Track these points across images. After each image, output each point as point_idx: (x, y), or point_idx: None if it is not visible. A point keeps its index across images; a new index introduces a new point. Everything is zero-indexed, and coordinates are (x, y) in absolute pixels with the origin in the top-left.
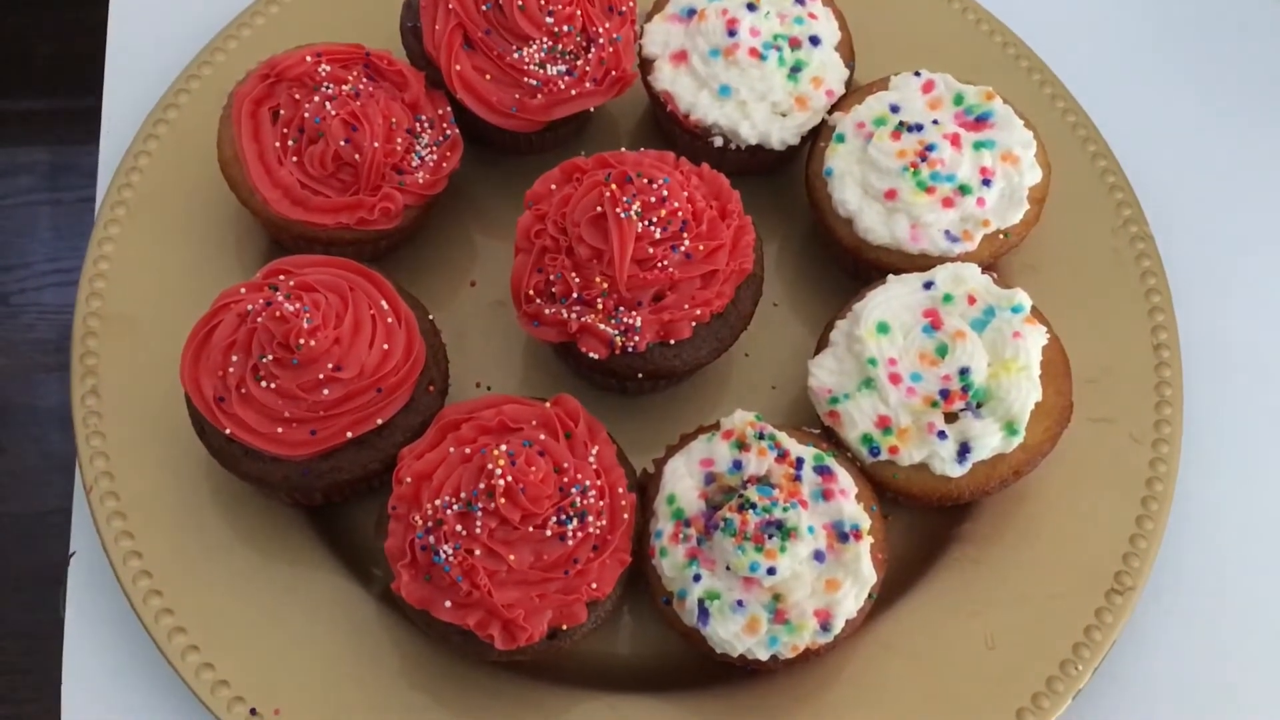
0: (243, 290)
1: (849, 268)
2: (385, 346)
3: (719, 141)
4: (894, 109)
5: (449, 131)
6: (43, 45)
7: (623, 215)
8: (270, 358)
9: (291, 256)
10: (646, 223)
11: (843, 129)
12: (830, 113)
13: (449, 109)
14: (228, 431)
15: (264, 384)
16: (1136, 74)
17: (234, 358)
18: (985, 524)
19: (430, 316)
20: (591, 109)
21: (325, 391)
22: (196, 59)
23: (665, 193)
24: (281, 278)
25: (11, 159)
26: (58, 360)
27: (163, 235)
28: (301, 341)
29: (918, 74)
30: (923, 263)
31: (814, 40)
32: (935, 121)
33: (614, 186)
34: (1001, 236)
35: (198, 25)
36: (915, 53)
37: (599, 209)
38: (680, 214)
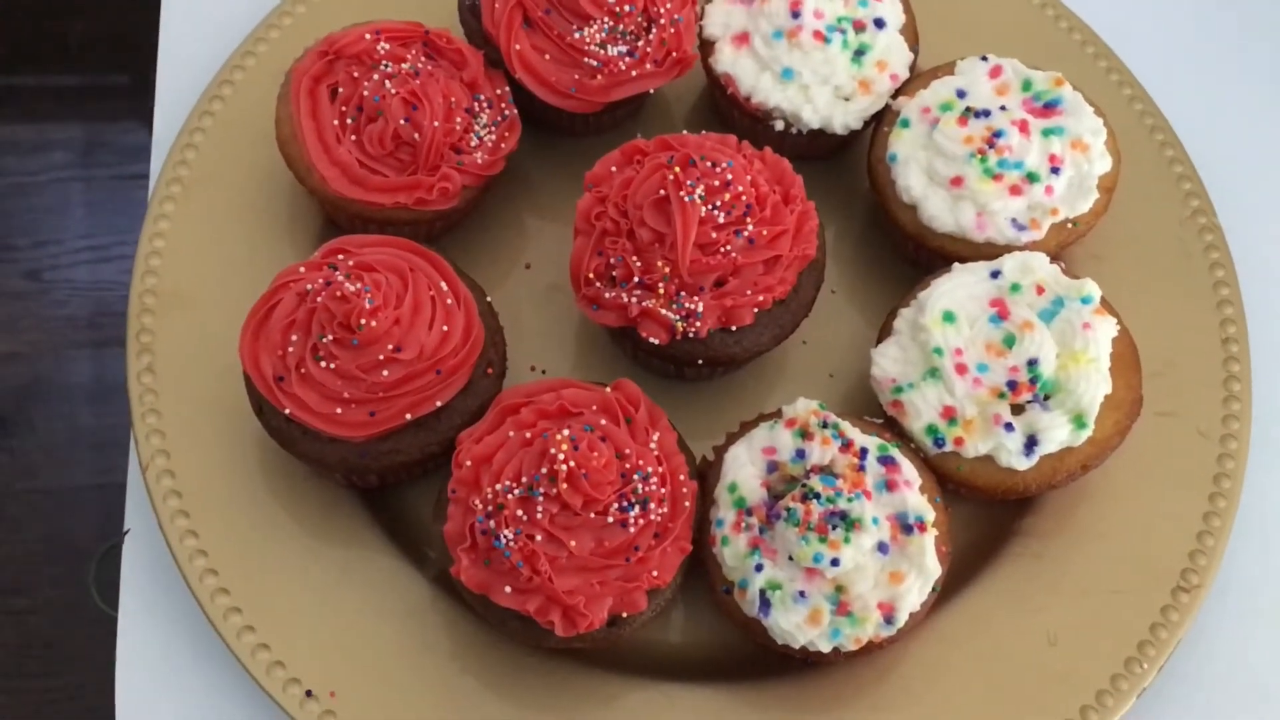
0: (302, 269)
1: (910, 255)
2: (445, 328)
3: (780, 125)
4: (960, 94)
5: (507, 112)
6: (78, 22)
7: (686, 199)
8: (330, 338)
9: (350, 236)
10: (710, 207)
11: (907, 114)
12: (894, 97)
13: (507, 89)
14: (287, 411)
15: (324, 364)
16: (1205, 63)
17: (293, 337)
18: (1049, 518)
19: (489, 298)
20: (651, 91)
21: (385, 373)
22: (252, 35)
23: (729, 177)
24: (341, 257)
25: (45, 135)
26: (89, 337)
27: (218, 213)
28: (363, 322)
29: (984, 59)
30: (988, 251)
31: (879, 23)
32: (1003, 108)
33: (678, 169)
34: (1069, 226)
35: (253, 1)
36: (980, 39)
37: (662, 192)
38: (744, 198)
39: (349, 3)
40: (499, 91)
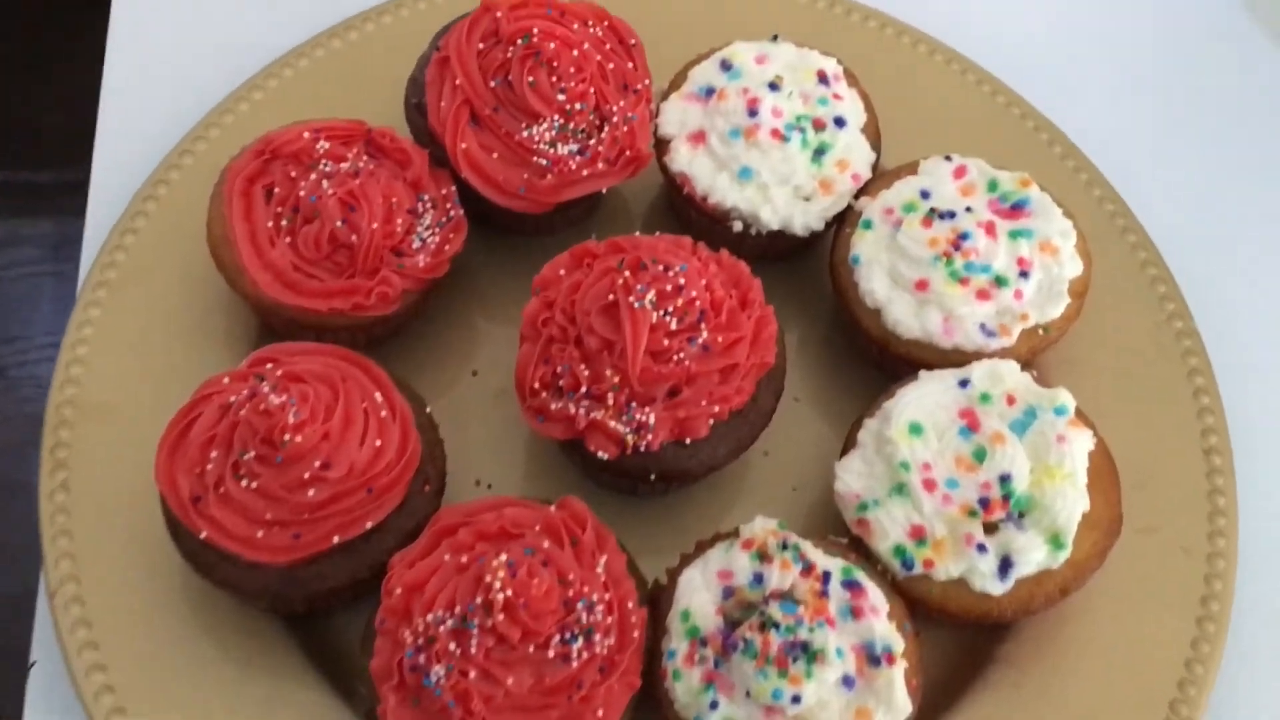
0: (226, 380)
1: (876, 360)
2: (378, 443)
3: (738, 226)
4: (924, 195)
5: (452, 212)
6: (49, 116)
7: (636, 305)
8: (252, 454)
9: (280, 344)
10: (662, 313)
11: (870, 215)
12: (856, 197)
13: (453, 189)
14: (203, 535)
15: (245, 483)
16: (1175, 161)
17: (213, 453)
18: (1027, 644)
19: (428, 409)
20: (604, 190)
21: (311, 492)
22: (190, 134)
23: (682, 281)
24: (269, 366)
25: (15, 230)
26: None
27: (147, 318)
28: (287, 437)
29: (949, 158)
30: (957, 358)
31: (839, 122)
32: (969, 209)
33: (627, 273)
34: (1041, 332)
35: (194, 99)
36: (944, 138)
37: (611, 297)
38: (698, 303)
39: (292, 103)
40: (444, 191)
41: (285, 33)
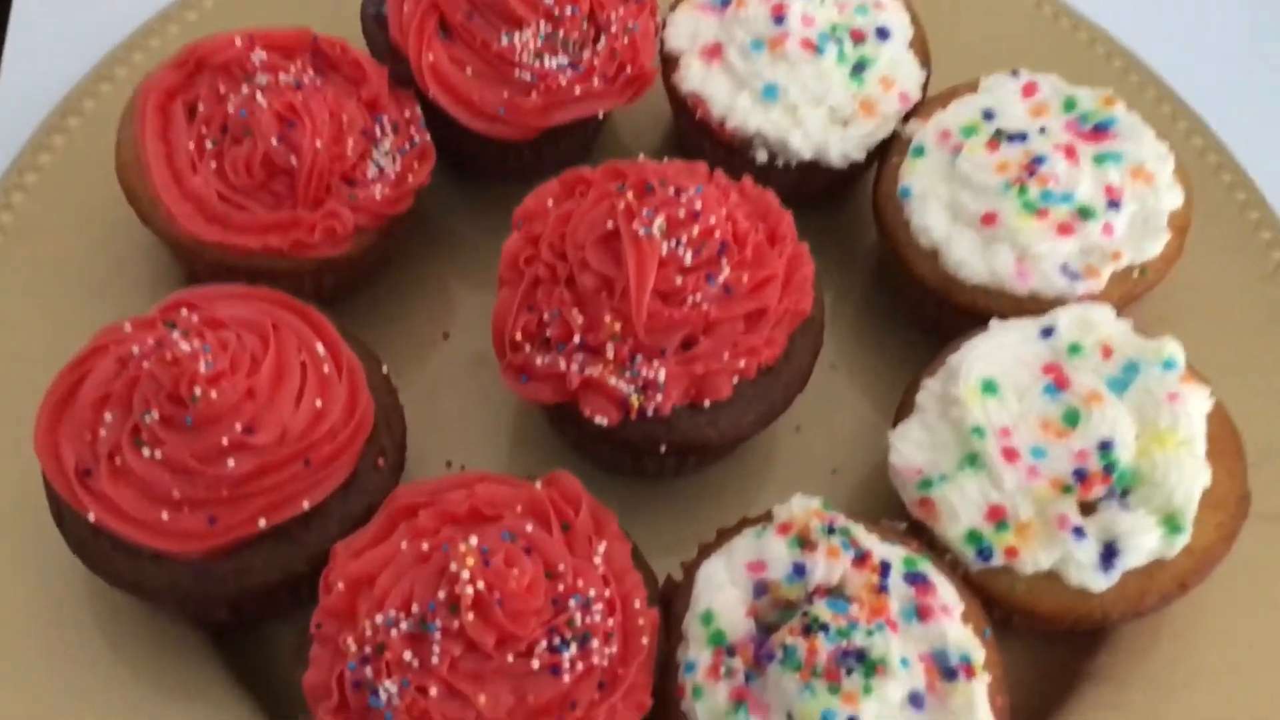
0: (127, 327)
1: (931, 318)
2: (318, 403)
3: (762, 156)
4: (988, 116)
5: (416, 138)
6: None
7: (642, 232)
8: (156, 415)
9: (202, 287)
10: (673, 243)
11: (922, 140)
12: (904, 121)
13: (418, 111)
14: (92, 517)
15: (147, 452)
16: (1270, 94)
17: (107, 415)
18: (1126, 656)
19: (384, 370)
20: (600, 115)
21: (231, 462)
22: (108, 57)
23: (698, 205)
24: (184, 312)
25: None
26: None
27: (48, 271)
28: (198, 392)
29: (1015, 73)
30: (1032, 307)
31: (882, 33)
32: (1042, 130)
33: (630, 196)
34: (1136, 274)
35: (116, 18)
36: (1001, 64)
37: (610, 225)
38: (718, 234)
39: (231, 22)
40: (407, 114)
41: None
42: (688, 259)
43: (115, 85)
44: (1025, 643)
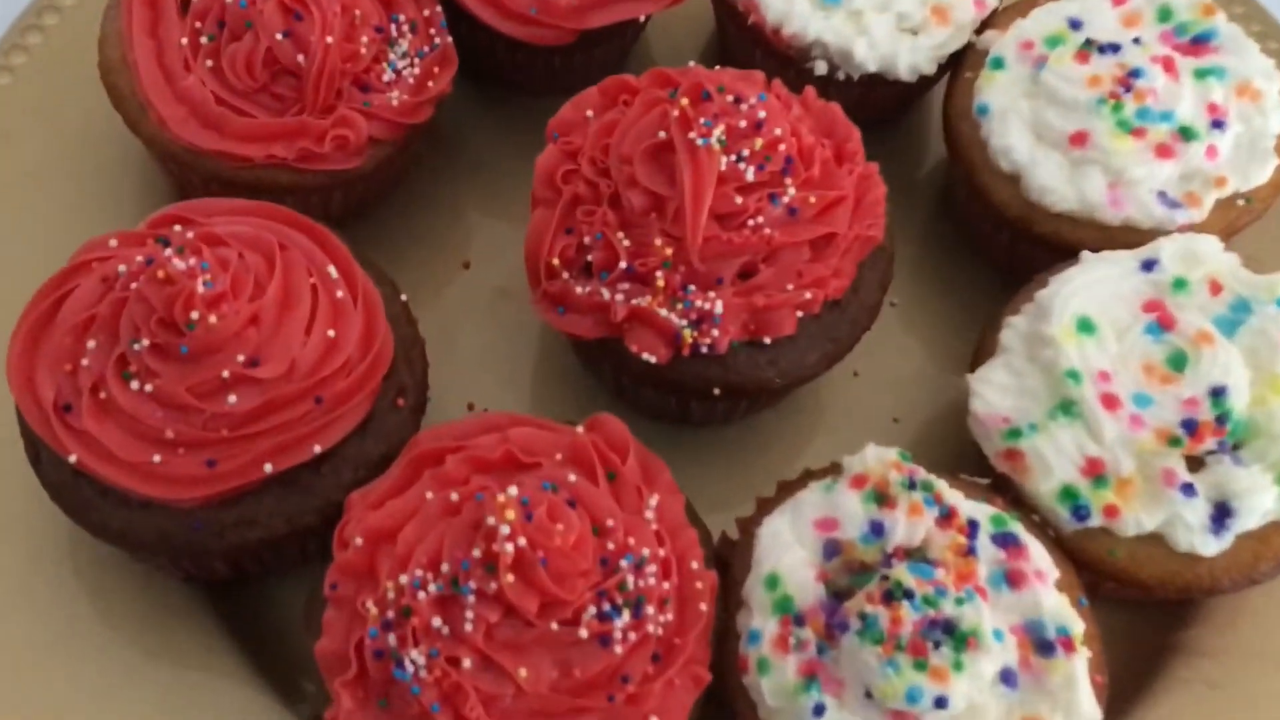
0: (114, 243)
1: (1004, 253)
2: (331, 334)
3: (821, 68)
4: (1074, 25)
5: (438, 39)
6: None
7: (700, 142)
8: (146, 343)
9: (196, 200)
10: (734, 157)
11: (1001, 51)
12: (979, 31)
13: (438, 8)
14: (73, 459)
15: (136, 384)
16: None
17: (90, 342)
18: (1221, 629)
19: (403, 298)
20: (642, 18)
21: (232, 398)
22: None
23: (761, 115)
24: (177, 228)
25: None
26: None
27: (24, 182)
28: (195, 315)
29: None
30: (1124, 239)
31: None
32: (1136, 40)
33: (685, 103)
34: (1240, 203)
35: None
36: None
37: (662, 135)
38: (783, 148)
39: None
40: (426, 12)
41: None
42: (749, 175)
43: None
44: (1112, 612)
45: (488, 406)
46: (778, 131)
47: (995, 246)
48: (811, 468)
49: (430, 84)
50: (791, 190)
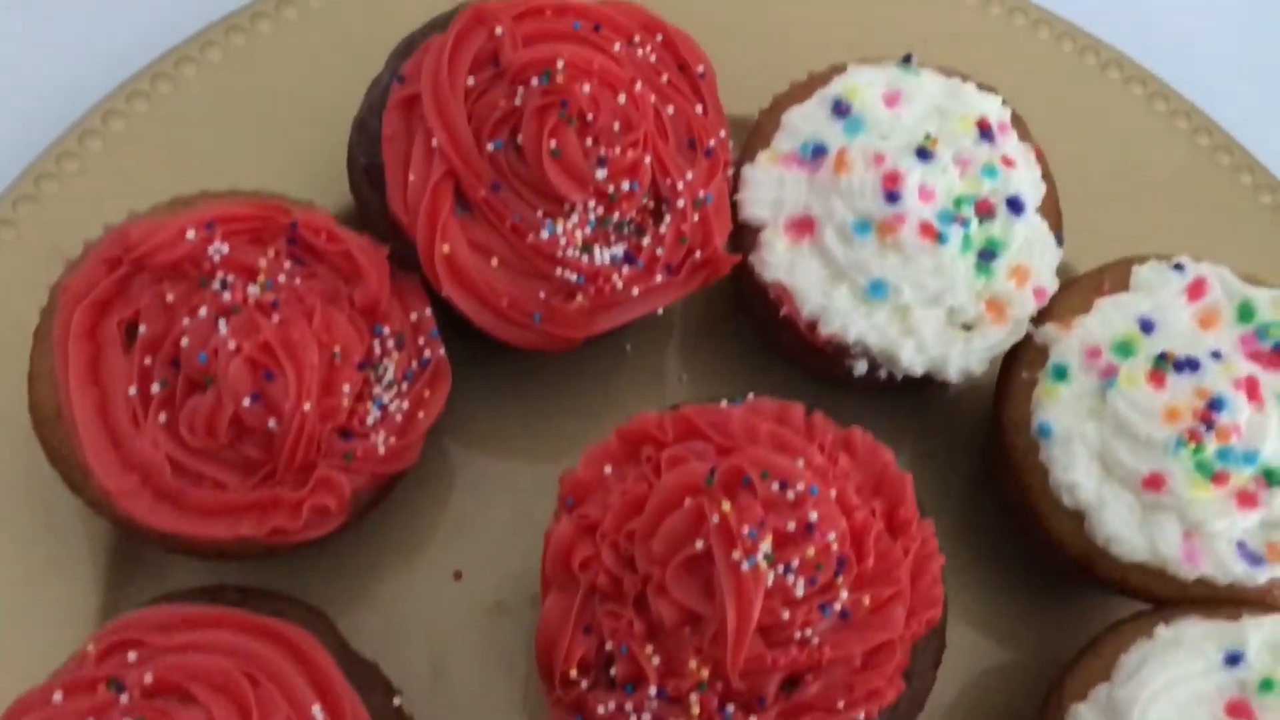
0: (59, 696)
1: (1062, 571)
2: None
3: (861, 369)
4: (1145, 327)
5: (428, 353)
6: None
7: (745, 564)
8: None
9: (147, 612)
10: (780, 569)
11: (1064, 358)
12: (1037, 322)
13: (428, 313)
14: None
15: None
16: None
17: None
18: None
19: (397, 702)
20: (660, 312)
21: None
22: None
23: (812, 515)
24: (131, 657)
25: None
26: None
27: None
28: None
29: (1178, 266)
30: (1197, 592)
31: (1014, 205)
32: (1216, 354)
33: (725, 504)
34: None
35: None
36: (1149, 211)
37: (700, 545)
38: (834, 549)
39: (159, 149)
40: (414, 317)
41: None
42: (799, 589)
43: (19, 231)
44: None
45: None
46: (830, 534)
47: (1053, 562)
48: None
49: (421, 414)
50: (844, 594)
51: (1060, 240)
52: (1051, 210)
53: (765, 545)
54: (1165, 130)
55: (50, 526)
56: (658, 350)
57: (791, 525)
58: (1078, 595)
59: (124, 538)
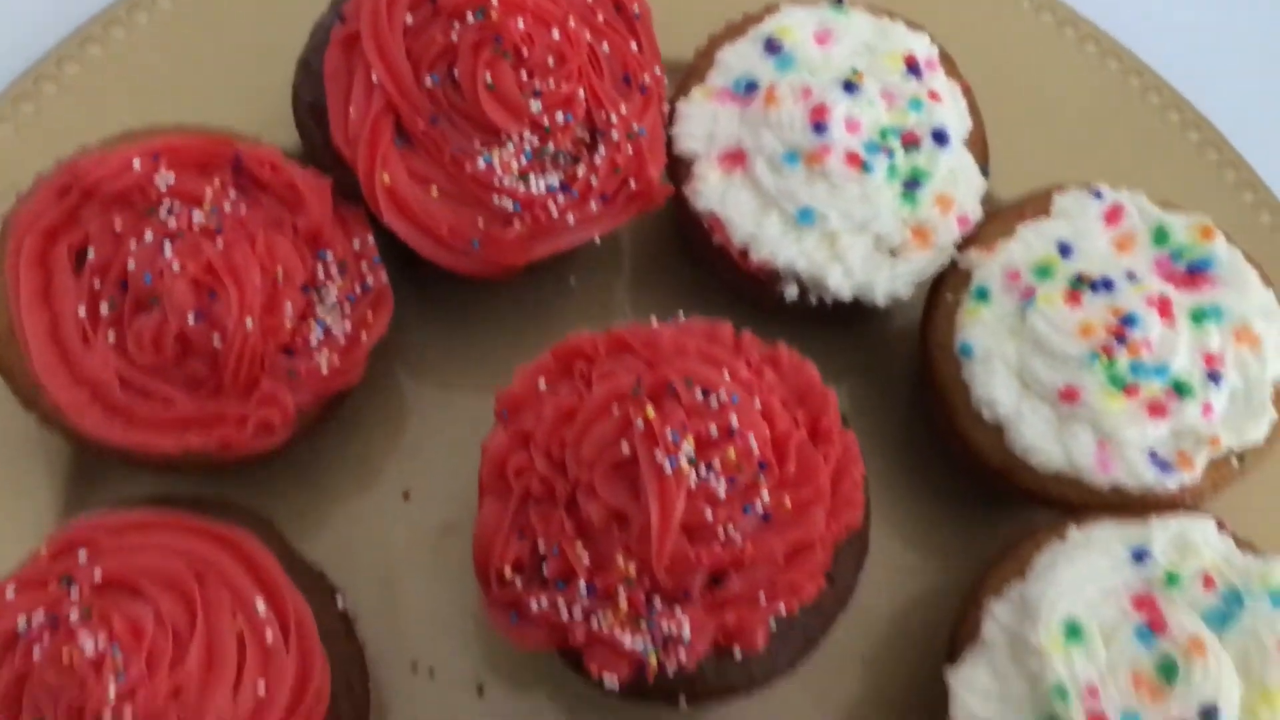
0: (11, 592)
1: (983, 482)
2: (261, 689)
3: (792, 293)
4: (1064, 250)
5: (370, 278)
6: None
7: (668, 465)
8: None
9: (98, 516)
10: (703, 469)
11: (986, 280)
12: (961, 248)
13: (370, 240)
14: None
15: None
16: None
17: None
18: None
19: (341, 605)
20: (596, 240)
21: None
22: None
23: (734, 420)
24: (82, 557)
25: None
26: None
27: None
28: (108, 717)
29: (1097, 194)
30: (1112, 499)
31: (939, 137)
32: (1130, 275)
33: (650, 410)
34: (1234, 463)
35: None
36: (1071, 144)
37: (625, 448)
38: (755, 453)
39: (111, 89)
40: (357, 244)
41: None
42: (721, 489)
43: None
44: None
45: (434, 667)
46: (751, 439)
47: (975, 475)
48: None
49: (364, 335)
50: (765, 495)
51: (986, 172)
52: (978, 143)
53: (687, 447)
54: (1094, 70)
55: (6, 443)
56: (606, 285)
57: (714, 429)
58: (1001, 507)
59: (80, 456)
